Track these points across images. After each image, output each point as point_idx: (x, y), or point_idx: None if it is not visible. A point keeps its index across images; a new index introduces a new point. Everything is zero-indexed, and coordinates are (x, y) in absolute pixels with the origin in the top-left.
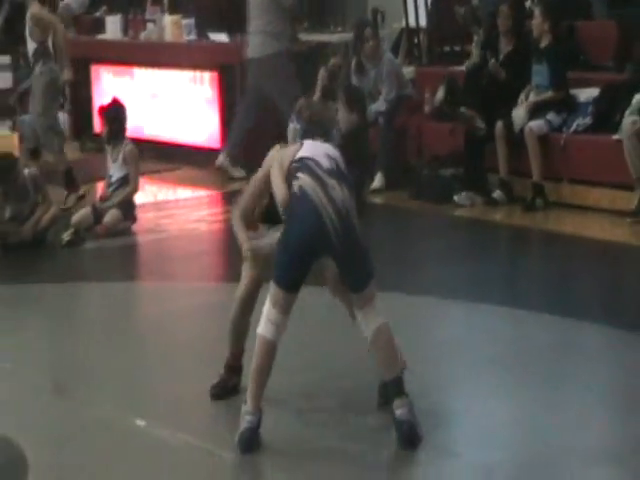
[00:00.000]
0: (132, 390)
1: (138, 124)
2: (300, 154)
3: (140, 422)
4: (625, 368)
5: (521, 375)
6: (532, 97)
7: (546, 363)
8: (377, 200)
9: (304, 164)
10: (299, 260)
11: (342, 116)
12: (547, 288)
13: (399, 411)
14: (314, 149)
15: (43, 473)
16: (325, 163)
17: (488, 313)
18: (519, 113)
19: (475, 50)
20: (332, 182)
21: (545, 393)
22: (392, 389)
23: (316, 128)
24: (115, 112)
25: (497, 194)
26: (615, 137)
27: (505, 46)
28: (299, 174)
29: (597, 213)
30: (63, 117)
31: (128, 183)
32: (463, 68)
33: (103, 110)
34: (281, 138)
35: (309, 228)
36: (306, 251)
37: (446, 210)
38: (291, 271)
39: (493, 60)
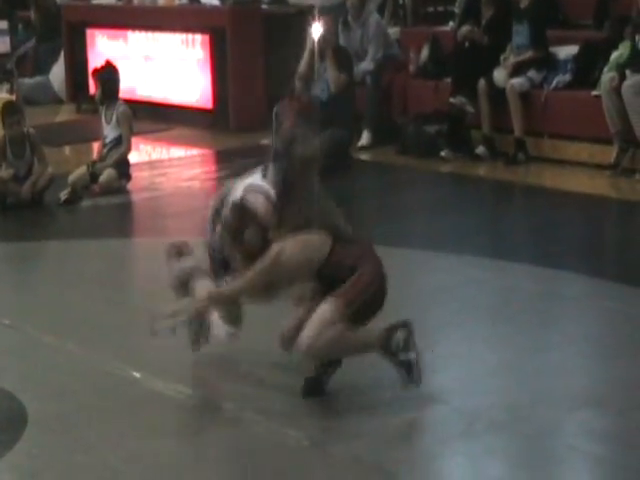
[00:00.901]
0: (129, 343)
1: (132, 85)
2: None
3: (136, 373)
4: (605, 316)
5: (506, 323)
6: (513, 57)
7: (530, 311)
8: (364, 157)
9: None
10: None
11: (331, 76)
12: (529, 240)
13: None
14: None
15: (42, 424)
16: None
17: (473, 264)
18: (501, 73)
19: (458, 13)
20: None
21: (529, 340)
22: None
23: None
24: (108, 74)
25: (480, 150)
26: (594, 93)
27: (486, 11)
28: None
29: (577, 167)
30: None
31: (122, 143)
32: (447, 28)
33: (96, 72)
34: None
35: None
36: None
37: (431, 165)
38: None
39: (468, 27)
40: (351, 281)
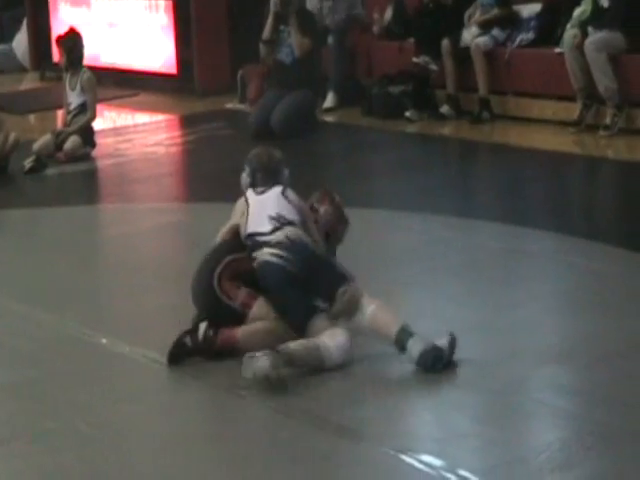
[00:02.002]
0: (96, 309)
1: (96, 52)
2: (247, 229)
3: (104, 339)
4: (571, 272)
5: (473, 281)
6: (478, 15)
7: (496, 269)
8: (330, 119)
9: (253, 241)
10: None
11: (295, 40)
12: (495, 198)
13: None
14: (256, 216)
15: (10, 391)
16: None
17: (439, 223)
18: (470, 32)
19: None
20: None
21: (496, 298)
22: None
23: (264, 174)
24: (72, 41)
25: (445, 109)
26: (557, 50)
27: None
28: (253, 254)
29: (541, 124)
30: None
31: (87, 110)
32: None
33: (60, 39)
34: None
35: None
36: None
37: (396, 126)
38: None
39: None
40: None
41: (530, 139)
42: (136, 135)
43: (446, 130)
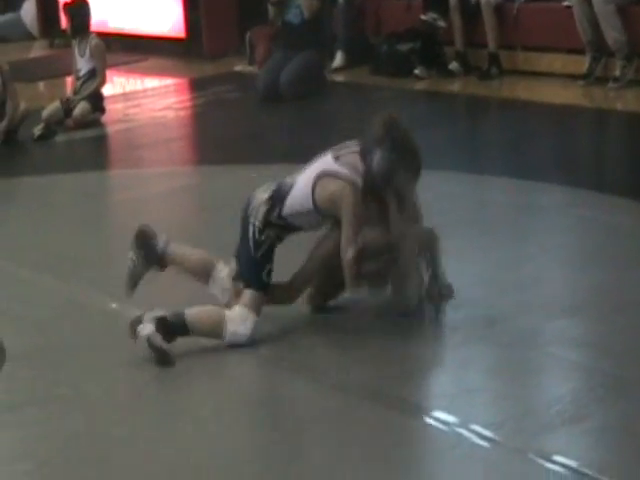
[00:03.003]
0: (106, 274)
1: (103, 18)
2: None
3: (113, 304)
4: (581, 225)
5: (482, 236)
6: None
7: (506, 223)
8: (339, 78)
9: None
10: None
11: (304, 1)
12: (504, 153)
13: None
14: None
15: (21, 359)
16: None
17: (448, 179)
18: None
19: None
20: None
21: (506, 252)
22: None
23: None
24: (79, 7)
25: (453, 65)
26: (565, 3)
27: None
28: None
29: (550, 78)
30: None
31: (96, 76)
32: None
33: (68, 6)
34: None
35: None
36: None
37: (405, 84)
38: None
39: None
40: None
41: (539, 93)
42: (145, 100)
43: (455, 86)
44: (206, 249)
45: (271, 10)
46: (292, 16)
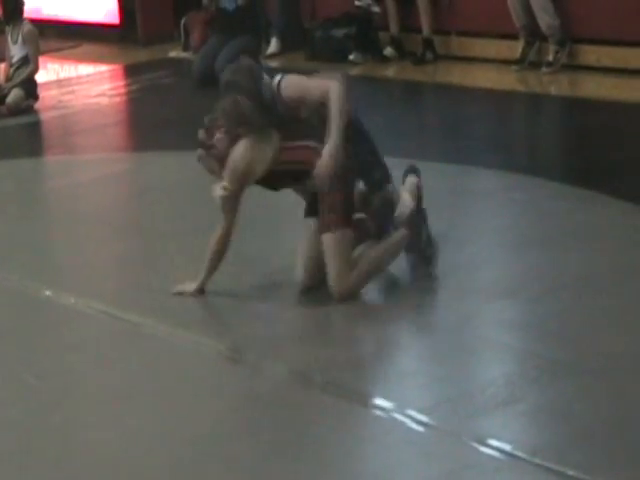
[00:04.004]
0: (40, 261)
1: (38, 4)
2: None
3: (47, 291)
4: (515, 208)
5: None
6: None
7: (441, 208)
8: (274, 64)
9: None
10: None
11: None
12: (439, 137)
13: None
14: None
15: None
16: None
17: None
18: None
19: None
20: None
21: (442, 236)
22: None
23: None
24: None
25: (388, 51)
26: None
27: None
28: None
29: (484, 63)
30: None
31: (29, 63)
32: None
33: None
34: None
35: None
36: None
37: (340, 69)
38: None
39: None
40: (328, 205)
41: (473, 78)
42: (79, 86)
43: (390, 72)
44: (143, 235)
45: None
46: (226, 2)
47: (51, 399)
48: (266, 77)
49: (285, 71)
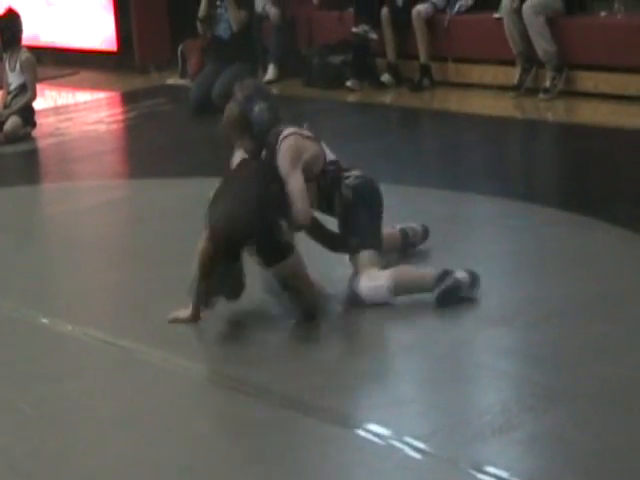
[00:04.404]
0: (36, 288)
1: (35, 32)
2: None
3: (44, 319)
4: (511, 235)
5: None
6: None
7: (437, 234)
8: (273, 91)
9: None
10: None
11: (231, 14)
12: (436, 164)
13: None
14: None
15: None
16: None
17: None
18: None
19: None
20: None
21: (437, 263)
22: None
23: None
24: (10, 21)
25: (385, 77)
26: (495, 15)
27: None
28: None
29: (481, 89)
30: None
31: (26, 90)
32: None
33: None
34: None
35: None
36: None
37: (338, 95)
38: None
39: None
40: None
41: (470, 105)
42: (77, 114)
43: (387, 98)
44: (140, 261)
45: (200, 27)
46: (221, 30)
47: (46, 426)
48: (269, 114)
49: (293, 132)
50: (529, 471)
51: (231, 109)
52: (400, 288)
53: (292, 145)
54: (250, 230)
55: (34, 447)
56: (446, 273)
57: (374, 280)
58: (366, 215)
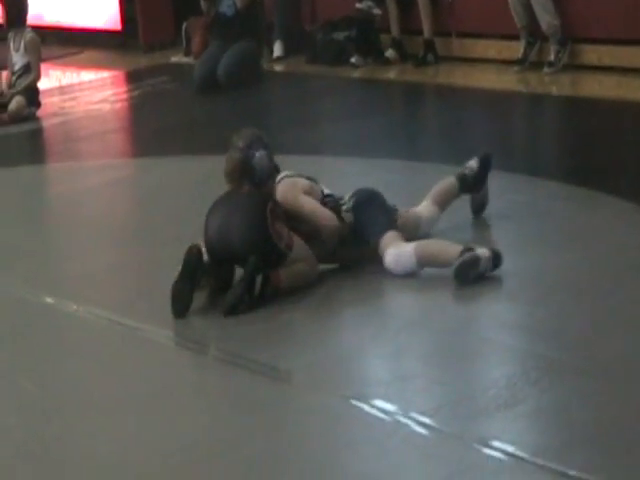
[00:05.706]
0: (42, 268)
1: (39, 11)
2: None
3: (49, 299)
4: (515, 209)
5: None
6: None
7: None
8: (277, 68)
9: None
10: None
11: None
12: (440, 139)
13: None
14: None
15: None
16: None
17: (384, 167)
18: None
19: None
20: None
21: (441, 238)
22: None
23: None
24: (15, 1)
25: (389, 53)
26: None
27: None
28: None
29: (485, 64)
30: None
31: (31, 71)
32: None
33: None
34: None
35: None
36: None
37: (342, 72)
38: None
39: None
40: None
41: (475, 79)
42: (81, 93)
43: (391, 74)
44: (145, 240)
45: (203, 4)
46: (225, 7)
47: (50, 406)
48: (268, 160)
49: (287, 174)
50: (534, 445)
51: (232, 156)
52: (424, 259)
53: (287, 181)
54: (245, 247)
55: (38, 427)
56: (469, 249)
57: (399, 248)
58: (371, 215)
